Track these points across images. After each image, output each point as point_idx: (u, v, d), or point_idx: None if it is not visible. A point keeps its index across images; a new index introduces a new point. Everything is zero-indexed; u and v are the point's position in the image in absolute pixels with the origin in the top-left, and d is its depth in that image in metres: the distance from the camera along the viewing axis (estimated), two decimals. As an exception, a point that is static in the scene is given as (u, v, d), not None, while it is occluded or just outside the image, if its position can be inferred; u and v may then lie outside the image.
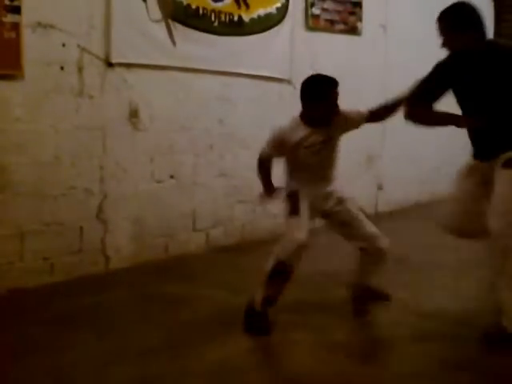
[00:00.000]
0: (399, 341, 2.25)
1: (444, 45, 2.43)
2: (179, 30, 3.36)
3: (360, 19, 4.70)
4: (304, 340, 2.25)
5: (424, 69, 5.74)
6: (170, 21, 3.30)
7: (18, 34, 2.66)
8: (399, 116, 5.34)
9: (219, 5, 3.57)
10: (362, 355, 2.12)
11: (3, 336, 2.27)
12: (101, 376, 1.94)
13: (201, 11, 3.47)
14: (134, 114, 3.26)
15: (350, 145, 4.67)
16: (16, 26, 2.65)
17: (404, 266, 3.33)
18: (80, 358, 2.08)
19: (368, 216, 2.86)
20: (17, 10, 2.64)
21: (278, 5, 3.96)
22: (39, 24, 2.76)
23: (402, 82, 5.14)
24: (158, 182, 3.42)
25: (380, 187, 5.10)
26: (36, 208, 2.87)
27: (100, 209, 3.13)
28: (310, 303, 2.69)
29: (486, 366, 2.05)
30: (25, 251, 2.84)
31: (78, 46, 2.94)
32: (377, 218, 4.85)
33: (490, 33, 6.63)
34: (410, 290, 2.87)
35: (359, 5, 4.66)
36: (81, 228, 3.06)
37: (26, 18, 2.69)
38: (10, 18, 2.62)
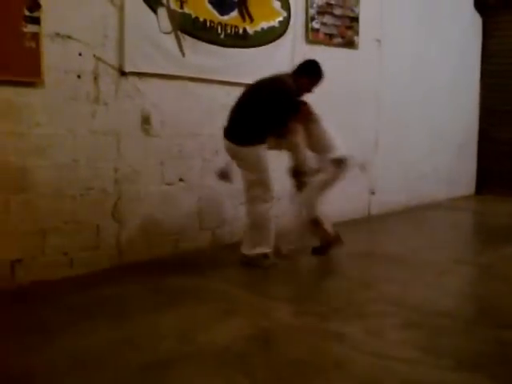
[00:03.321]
0: (388, 329, 2.25)
1: None
2: (188, 41, 3.37)
3: (357, 33, 4.71)
4: (302, 327, 2.25)
5: (417, 81, 5.79)
6: (179, 33, 3.31)
7: (38, 44, 2.68)
8: (391, 126, 5.38)
9: (225, 18, 3.59)
10: (354, 342, 2.10)
11: (27, 322, 2.28)
12: (115, 360, 1.94)
13: (208, 24, 3.48)
14: (146, 121, 3.26)
15: (345, 152, 4.71)
16: (36, 36, 2.66)
17: (393, 263, 3.36)
18: (96, 343, 2.07)
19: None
20: (36, 20, 2.66)
21: (281, 19, 3.97)
22: (57, 34, 2.78)
23: (396, 93, 5.23)
24: (168, 184, 3.41)
25: (372, 192, 5.09)
26: (56, 207, 2.87)
27: (115, 208, 3.13)
28: (306, 295, 2.69)
29: (466, 352, 2.06)
30: (46, 246, 2.84)
31: (94, 55, 2.96)
32: (369, 220, 4.88)
33: (477, 50, 6.73)
34: (398, 284, 2.89)
35: (356, 20, 4.67)
36: (97, 226, 3.05)
37: (45, 28, 2.72)
38: (30, 29, 2.64)
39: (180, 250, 3.38)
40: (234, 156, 3.17)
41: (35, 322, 2.29)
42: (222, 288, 2.80)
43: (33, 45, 2.65)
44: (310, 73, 3.20)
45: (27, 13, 2.62)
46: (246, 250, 3.15)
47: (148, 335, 2.15)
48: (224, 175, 3.44)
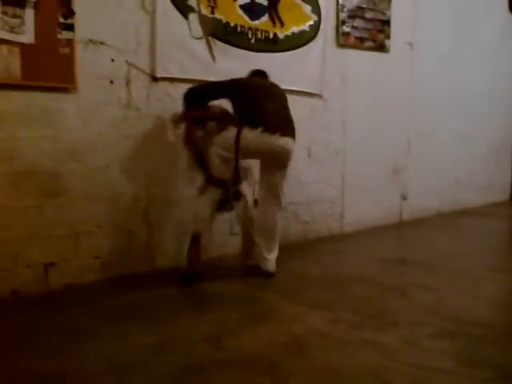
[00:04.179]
0: (423, 338, 2.16)
1: None
2: (218, 46, 3.36)
3: (388, 37, 4.62)
4: (336, 335, 2.18)
5: (448, 84, 5.66)
6: (210, 38, 3.30)
7: (72, 50, 2.70)
8: (423, 130, 5.26)
9: (256, 23, 3.56)
10: (389, 351, 2.02)
11: (59, 325, 2.28)
12: (147, 364, 1.91)
13: (239, 29, 3.46)
14: (176, 125, 3.24)
15: (378, 157, 4.63)
16: (70, 43, 2.69)
17: (427, 270, 3.24)
18: (129, 346, 2.06)
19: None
20: (70, 27, 2.68)
21: (311, 22, 3.92)
22: (91, 41, 2.80)
23: (429, 97, 5.10)
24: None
25: (404, 197, 4.96)
26: (89, 211, 2.89)
27: (146, 212, 3.12)
28: (339, 302, 2.61)
29: (504, 363, 1.95)
30: (79, 250, 2.85)
31: (126, 61, 2.97)
32: (401, 226, 4.76)
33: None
34: (433, 292, 2.79)
35: (388, 23, 4.59)
36: (129, 230, 3.05)
37: (79, 35, 2.74)
38: (64, 35, 2.66)
39: (210, 255, 3.35)
40: (286, 155, 2.92)
41: (68, 325, 2.29)
42: (253, 294, 2.76)
43: (67, 51, 2.68)
44: None
45: (62, 20, 2.65)
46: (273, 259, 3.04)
47: (180, 340, 2.12)
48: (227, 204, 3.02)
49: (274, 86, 3.10)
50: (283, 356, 1.98)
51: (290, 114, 3.03)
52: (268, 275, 2.99)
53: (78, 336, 2.14)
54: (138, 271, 3.03)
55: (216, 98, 2.99)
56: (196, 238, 2.89)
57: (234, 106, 2.97)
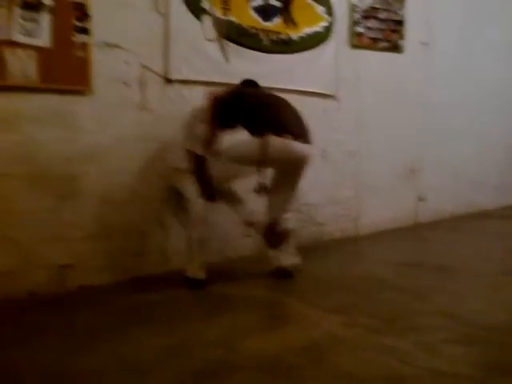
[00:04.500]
0: (440, 343, 2.10)
1: None
2: (232, 48, 3.36)
3: (402, 37, 4.58)
4: (353, 339, 2.15)
5: (465, 83, 5.58)
6: (223, 39, 3.30)
7: (87, 53, 2.72)
8: (439, 130, 5.19)
9: (269, 24, 3.55)
10: (406, 356, 1.98)
11: (74, 326, 2.29)
12: (162, 366, 1.90)
13: (252, 30, 3.46)
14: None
15: (392, 157, 4.59)
16: (85, 46, 2.71)
17: (444, 273, 3.18)
18: (143, 348, 2.05)
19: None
20: (85, 30, 2.70)
21: (324, 23, 3.90)
22: (105, 43, 2.82)
23: (444, 97, 5.04)
24: (214, 190, 3.37)
25: (420, 198, 4.90)
26: (103, 213, 2.90)
27: (160, 214, 3.12)
28: (356, 305, 2.58)
29: None
30: (94, 252, 2.86)
31: (140, 63, 2.98)
32: (417, 228, 4.70)
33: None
34: (451, 296, 2.72)
35: (401, 23, 4.54)
36: (143, 232, 3.06)
37: (94, 38, 2.76)
38: (79, 38, 2.68)
39: (224, 257, 3.34)
40: (307, 161, 2.87)
41: (82, 325, 2.30)
42: (269, 296, 2.73)
43: (82, 54, 2.70)
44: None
45: (77, 23, 2.66)
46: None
47: (195, 343, 2.10)
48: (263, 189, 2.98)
49: (278, 96, 3.01)
50: (300, 360, 1.95)
51: (304, 120, 2.98)
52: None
53: (92, 336, 2.15)
54: (152, 273, 3.03)
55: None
56: (201, 243, 2.90)
57: (250, 118, 2.85)
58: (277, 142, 2.71)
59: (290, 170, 2.90)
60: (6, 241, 2.58)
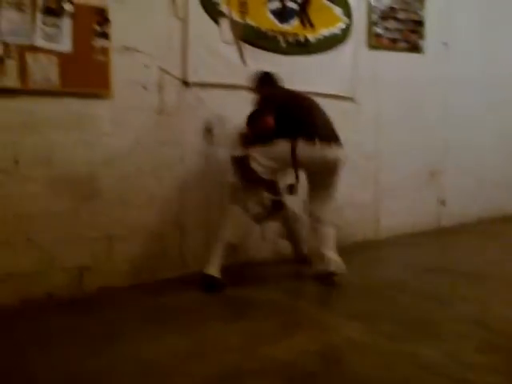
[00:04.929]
0: (465, 351, 2.05)
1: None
2: (249, 50, 3.36)
3: (422, 37, 4.52)
4: (373, 346, 2.12)
5: (487, 83, 5.46)
6: (240, 42, 3.30)
7: (107, 57, 2.75)
8: (461, 132, 5.07)
9: (286, 26, 3.54)
10: (428, 364, 1.94)
11: (92, 327, 2.31)
12: (178, 369, 1.91)
13: (269, 33, 3.46)
14: (208, 130, 3.25)
15: (412, 160, 4.52)
16: (105, 50, 2.74)
17: (469, 279, 3.10)
18: (162, 351, 2.06)
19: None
20: (105, 35, 2.74)
21: (342, 25, 3.88)
22: (125, 47, 2.85)
23: (465, 97, 4.95)
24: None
25: (443, 202, 4.80)
26: (122, 215, 2.92)
27: (178, 217, 3.13)
28: (377, 311, 2.54)
29: None
30: (112, 254, 2.89)
31: (159, 67, 2.99)
32: (440, 232, 4.60)
33: None
34: (475, 302, 2.65)
35: (421, 23, 4.49)
36: (161, 234, 3.07)
37: (113, 42, 2.79)
38: (99, 43, 2.72)
39: (241, 261, 3.33)
40: (338, 165, 2.92)
41: (101, 327, 2.31)
42: (288, 301, 2.72)
43: (102, 58, 2.73)
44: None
45: (97, 28, 2.70)
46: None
47: (212, 347, 2.10)
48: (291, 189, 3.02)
49: (307, 97, 3.04)
50: (318, 366, 1.93)
51: (332, 122, 2.97)
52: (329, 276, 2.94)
53: (109, 339, 2.17)
54: (171, 276, 3.04)
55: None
56: (230, 249, 2.90)
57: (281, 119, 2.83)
58: (307, 148, 2.75)
59: (324, 173, 2.92)
60: (26, 242, 2.62)
